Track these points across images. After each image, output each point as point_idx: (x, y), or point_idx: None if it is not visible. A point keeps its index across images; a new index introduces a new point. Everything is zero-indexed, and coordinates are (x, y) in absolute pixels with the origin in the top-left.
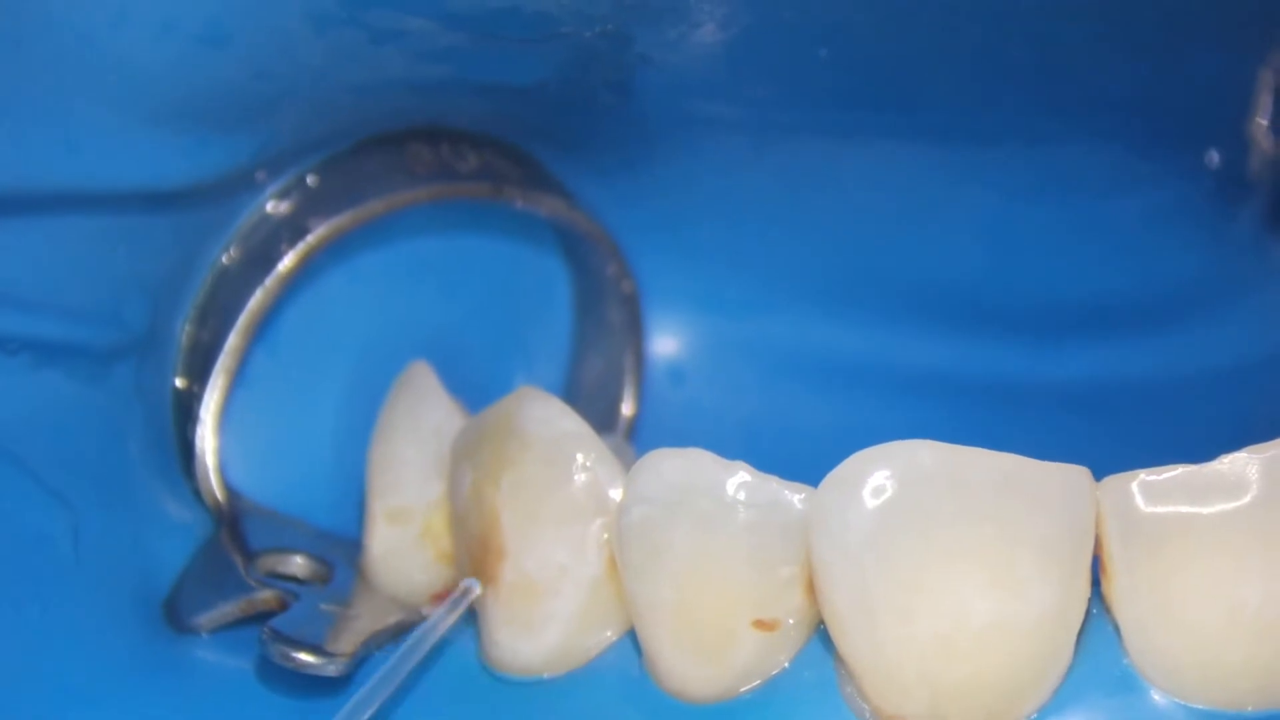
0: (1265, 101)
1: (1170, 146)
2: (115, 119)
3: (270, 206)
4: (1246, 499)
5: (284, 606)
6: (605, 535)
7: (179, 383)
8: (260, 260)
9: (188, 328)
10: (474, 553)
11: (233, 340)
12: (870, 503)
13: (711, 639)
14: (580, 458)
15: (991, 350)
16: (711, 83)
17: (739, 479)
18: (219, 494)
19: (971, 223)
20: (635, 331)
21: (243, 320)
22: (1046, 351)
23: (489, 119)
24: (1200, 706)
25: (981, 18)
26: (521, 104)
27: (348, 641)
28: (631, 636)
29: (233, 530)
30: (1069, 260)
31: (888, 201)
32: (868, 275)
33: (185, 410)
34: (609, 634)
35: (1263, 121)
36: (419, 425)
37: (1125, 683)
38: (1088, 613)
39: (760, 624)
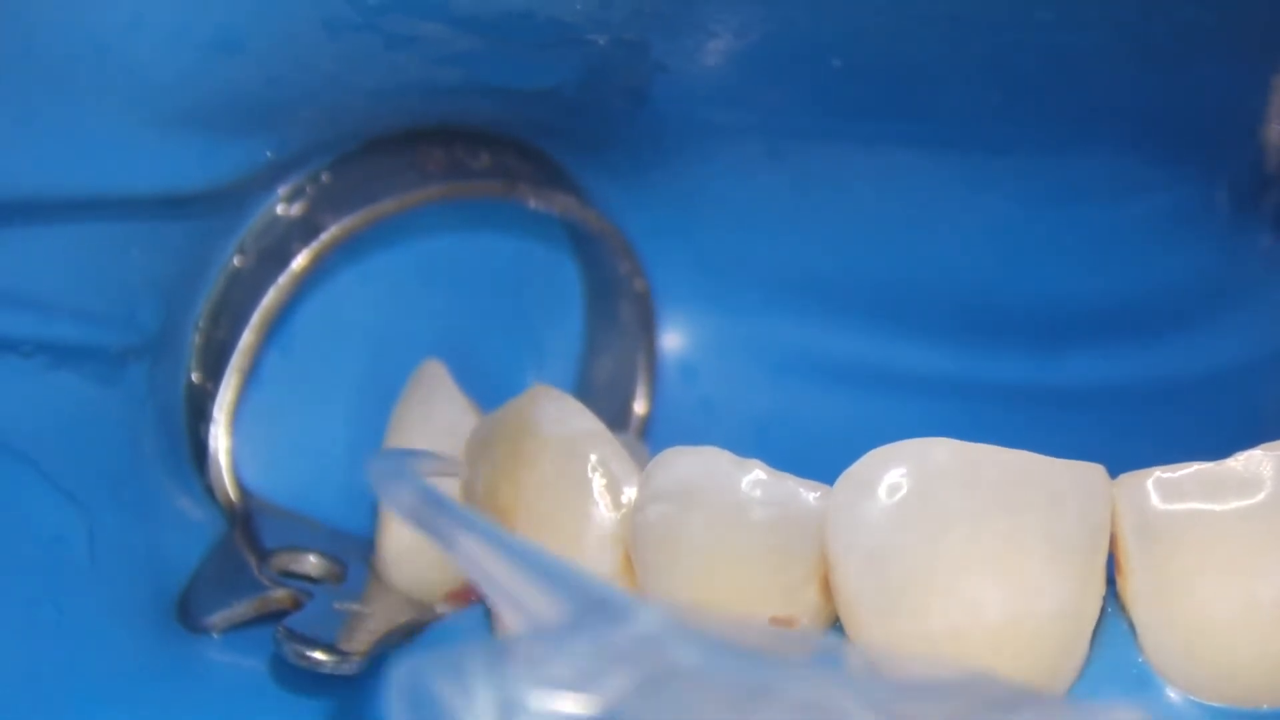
0: (1279, 107)
1: (1183, 153)
2: (128, 125)
3: (281, 208)
4: (1261, 496)
5: (297, 605)
6: (620, 533)
7: (192, 382)
8: (273, 260)
9: (201, 327)
10: None
11: (246, 339)
12: (885, 500)
13: None
14: (595, 456)
15: (1003, 352)
16: (726, 90)
17: (754, 477)
18: (232, 493)
19: (983, 228)
20: (648, 330)
21: (256, 319)
22: (1058, 353)
23: (502, 119)
24: (1216, 704)
25: (993, 28)
26: (535, 107)
27: (362, 640)
28: None
29: (245, 529)
30: (1081, 264)
31: (899, 207)
32: (880, 278)
33: (198, 410)
34: None
35: (1277, 127)
36: (432, 424)
37: (1140, 681)
38: (1103, 610)
39: (776, 621)
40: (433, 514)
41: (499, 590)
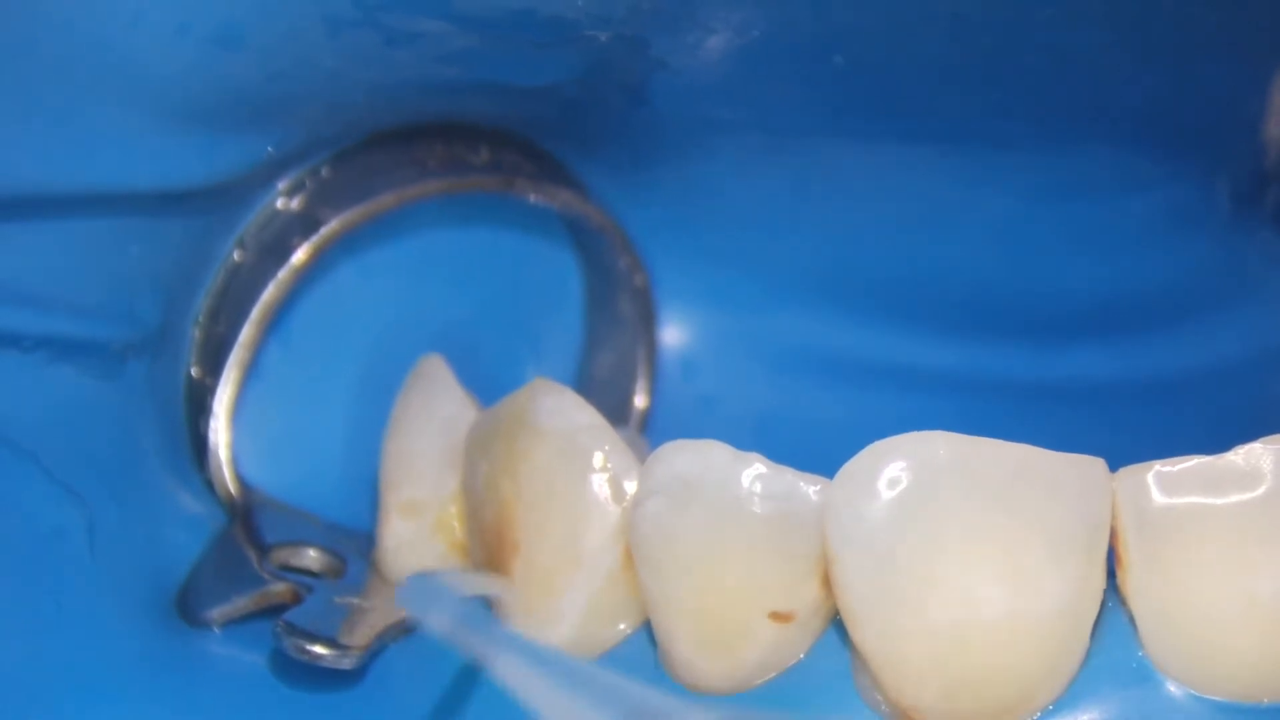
0: (1278, 105)
1: (1183, 150)
2: (129, 121)
3: (281, 202)
4: (1261, 490)
5: (297, 599)
6: (620, 527)
7: (192, 377)
8: (273, 254)
9: (201, 322)
10: (488, 545)
11: (246, 334)
12: (885, 494)
13: (727, 631)
14: (594, 450)
15: (1003, 347)
16: (726, 87)
17: (754, 471)
18: (232, 487)
19: (983, 224)
20: (647, 324)
21: (256, 314)
22: (1058, 348)
23: (502, 115)
24: (1215, 698)
25: (995, 25)
26: (535, 104)
27: (361, 634)
28: (647, 629)
29: (246, 524)
30: (1081, 260)
31: (900, 203)
32: (880, 274)
33: (198, 404)
34: (624, 627)
35: (1277, 124)
36: (432, 418)
37: (1140, 674)
38: (1103, 604)
39: (776, 616)
40: (470, 634)
41: (542, 705)
